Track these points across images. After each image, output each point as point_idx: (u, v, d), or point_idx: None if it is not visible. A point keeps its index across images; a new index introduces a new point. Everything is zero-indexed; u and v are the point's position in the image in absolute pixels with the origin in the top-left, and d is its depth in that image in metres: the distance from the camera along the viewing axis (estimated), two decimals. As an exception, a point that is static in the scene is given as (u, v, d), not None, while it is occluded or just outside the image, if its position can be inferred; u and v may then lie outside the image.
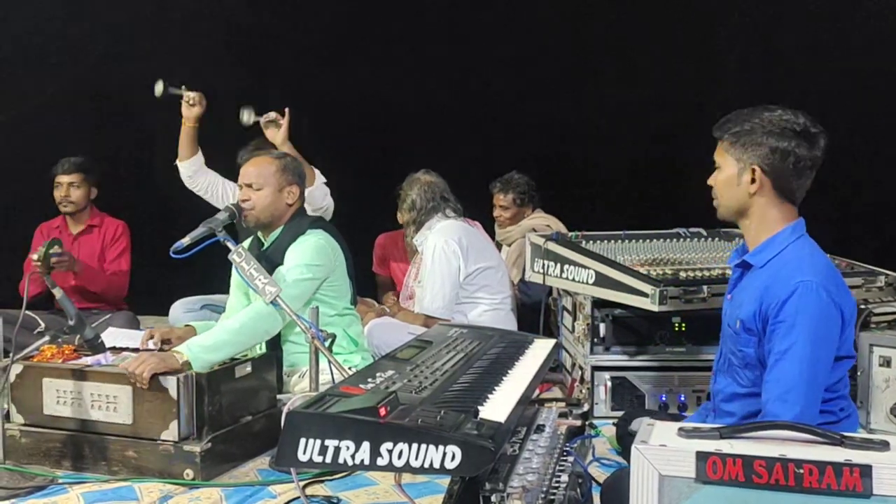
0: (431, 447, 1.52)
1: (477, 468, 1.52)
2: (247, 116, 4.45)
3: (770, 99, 2.46)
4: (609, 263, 3.60)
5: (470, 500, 1.66)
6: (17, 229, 5.31)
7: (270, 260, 3.46)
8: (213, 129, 4.57)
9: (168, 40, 6.02)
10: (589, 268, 3.67)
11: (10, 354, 2.96)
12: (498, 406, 1.76)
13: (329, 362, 2.99)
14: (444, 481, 2.43)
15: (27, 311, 3.10)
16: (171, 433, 2.88)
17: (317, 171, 4.41)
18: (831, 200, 4.82)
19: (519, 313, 4.55)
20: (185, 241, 3.21)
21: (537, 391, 3.02)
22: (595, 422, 3.04)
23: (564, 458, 1.93)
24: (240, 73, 6.01)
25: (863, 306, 3.50)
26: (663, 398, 3.64)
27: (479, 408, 1.69)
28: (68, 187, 4.77)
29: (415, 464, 1.52)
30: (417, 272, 4.56)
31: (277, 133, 4.38)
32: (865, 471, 1.48)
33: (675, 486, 1.56)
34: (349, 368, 3.09)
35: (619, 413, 3.37)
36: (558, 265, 3.87)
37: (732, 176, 2.33)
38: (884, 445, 1.56)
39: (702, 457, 1.55)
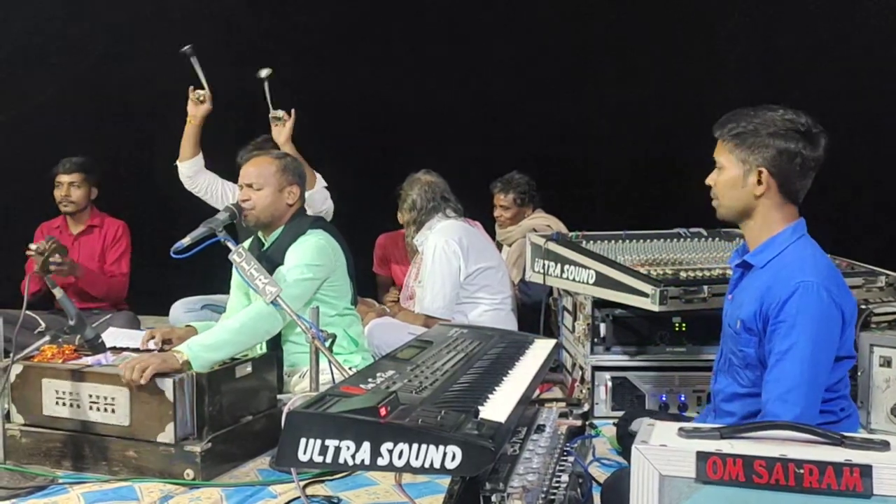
0: (432, 447, 1.52)
1: (477, 468, 1.52)
2: (265, 73, 4.43)
3: (770, 99, 2.46)
4: (609, 263, 3.60)
5: (470, 500, 1.66)
6: (17, 229, 5.30)
7: (271, 260, 3.46)
8: (214, 130, 4.57)
9: (168, 40, 6.00)
10: (589, 268, 3.67)
11: (11, 354, 2.96)
12: (498, 406, 1.77)
13: (329, 362, 2.99)
14: (445, 481, 2.44)
15: (27, 311, 3.10)
16: (167, 435, 2.87)
17: (318, 175, 4.41)
18: (831, 201, 4.82)
19: (519, 313, 4.55)
20: (186, 241, 3.21)
21: (538, 391, 3.02)
22: (595, 422, 3.05)
23: (565, 458, 1.93)
24: (240, 73, 6.01)
25: (863, 306, 3.50)
26: (664, 398, 3.64)
27: (480, 408, 1.69)
28: (69, 187, 4.77)
29: (415, 464, 1.52)
30: (418, 272, 4.56)
31: (282, 132, 4.39)
32: (866, 471, 1.49)
33: (675, 486, 1.56)
34: (349, 368, 3.09)
35: (620, 413, 3.37)
36: (559, 265, 3.87)
37: (737, 177, 2.32)
38: (884, 445, 1.56)
39: (702, 457, 1.55)
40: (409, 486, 1.96)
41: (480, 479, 1.65)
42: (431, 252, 4.29)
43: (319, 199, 4.38)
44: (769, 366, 2.24)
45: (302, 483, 2.79)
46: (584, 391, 3.73)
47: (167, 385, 2.87)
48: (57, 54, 6.11)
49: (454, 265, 4.27)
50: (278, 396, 3.34)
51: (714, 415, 2.50)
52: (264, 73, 4.44)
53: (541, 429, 2.06)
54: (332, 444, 1.54)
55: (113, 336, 3.44)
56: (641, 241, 4.04)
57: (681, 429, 1.65)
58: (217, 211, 3.59)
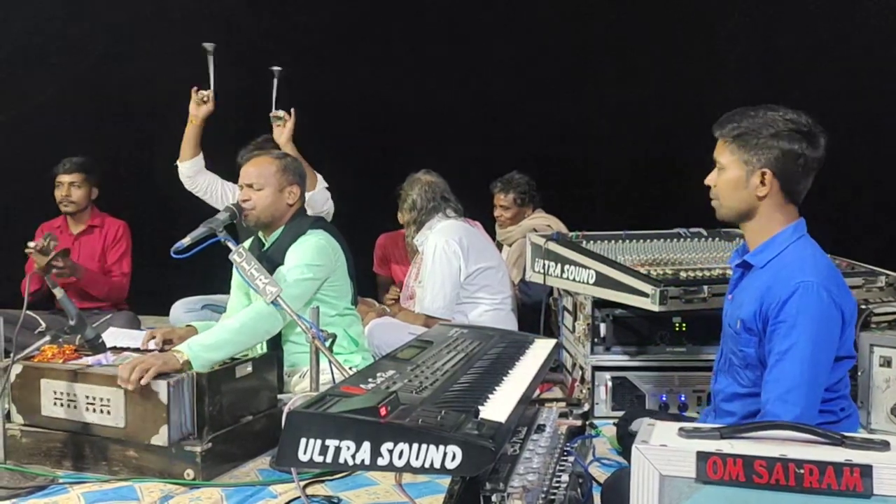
0: (432, 447, 1.52)
1: (477, 468, 1.52)
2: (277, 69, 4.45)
3: (770, 99, 2.45)
4: (609, 263, 3.60)
5: (470, 500, 1.66)
6: (17, 229, 5.30)
7: (271, 260, 3.46)
8: (214, 130, 4.57)
9: (168, 40, 6.02)
10: (589, 268, 3.67)
11: (11, 354, 2.96)
12: (498, 406, 1.77)
13: (329, 362, 2.99)
14: (445, 481, 2.44)
15: (28, 311, 3.10)
16: (160, 438, 2.86)
17: (319, 176, 4.41)
18: (831, 201, 4.82)
19: (519, 313, 4.55)
20: (186, 241, 3.21)
21: (538, 391, 3.02)
22: (595, 422, 3.05)
23: (565, 458, 1.93)
24: (240, 73, 6.01)
25: (863, 306, 3.50)
26: (664, 398, 3.64)
27: (480, 408, 1.69)
28: (69, 187, 4.77)
29: (415, 464, 1.52)
30: (418, 272, 4.56)
31: (282, 132, 4.39)
32: (866, 471, 1.49)
33: (675, 486, 1.56)
34: (350, 368, 3.09)
35: (620, 413, 3.37)
36: (559, 265, 3.88)
37: (739, 178, 2.32)
38: (884, 445, 1.56)
39: (702, 457, 1.55)
40: (409, 486, 1.96)
41: (481, 478, 1.65)
42: (431, 252, 4.29)
43: (320, 199, 4.38)
44: (769, 366, 2.24)
45: (302, 483, 2.79)
46: (584, 391, 3.73)
47: (161, 387, 2.86)
48: (57, 54, 6.11)
49: (454, 265, 4.27)
50: (278, 396, 3.34)
51: (714, 415, 2.50)
52: (276, 69, 4.45)
53: (541, 429, 2.06)
54: (332, 444, 1.54)
55: (113, 336, 3.44)
56: (641, 241, 4.04)
57: (681, 429, 1.65)
58: (217, 211, 3.59)
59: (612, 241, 4.01)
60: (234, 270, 3.51)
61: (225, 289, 3.88)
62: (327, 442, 1.54)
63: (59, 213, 4.88)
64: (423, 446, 1.52)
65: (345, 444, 1.54)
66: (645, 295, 3.36)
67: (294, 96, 4.67)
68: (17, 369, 3.02)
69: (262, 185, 3.50)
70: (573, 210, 5.58)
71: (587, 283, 3.68)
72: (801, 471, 1.50)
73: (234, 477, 2.96)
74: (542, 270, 3.98)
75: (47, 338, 2.97)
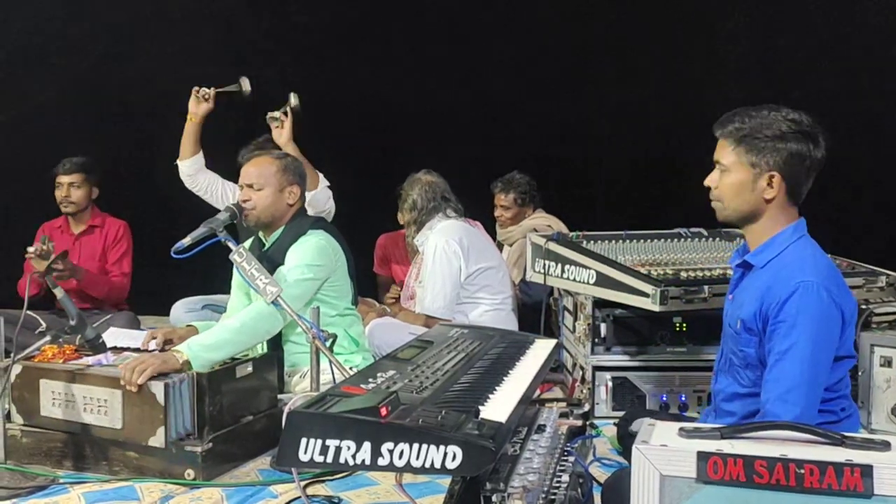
0: (432, 447, 1.52)
1: (478, 468, 1.52)
2: (294, 101, 4.41)
3: (770, 99, 2.45)
4: (610, 263, 3.60)
5: (471, 500, 1.66)
6: (17, 229, 5.31)
7: (271, 260, 3.46)
8: (214, 130, 4.57)
9: (168, 40, 6.02)
10: (590, 268, 3.67)
11: (12, 354, 2.96)
12: (499, 406, 1.77)
13: (330, 362, 2.99)
14: (445, 481, 2.44)
15: (28, 311, 3.10)
16: (157, 439, 2.86)
17: (321, 175, 4.41)
18: (831, 201, 4.82)
19: (520, 313, 4.55)
20: (186, 241, 3.21)
21: (538, 391, 3.02)
22: (596, 422, 3.06)
23: (565, 458, 1.93)
24: (240, 72, 6.01)
25: (864, 306, 3.50)
26: (664, 398, 3.64)
27: (480, 408, 1.69)
28: (69, 187, 4.77)
29: (416, 464, 1.52)
30: (418, 272, 4.56)
31: (282, 133, 4.38)
32: (866, 471, 1.49)
33: (675, 486, 1.56)
34: (350, 368, 3.09)
35: (620, 413, 3.37)
36: (559, 265, 3.88)
37: (745, 181, 2.30)
38: (885, 446, 1.56)
39: (703, 457, 1.55)
40: (409, 486, 1.96)
41: (481, 479, 1.65)
42: (432, 252, 4.29)
43: (322, 199, 4.38)
44: (769, 365, 2.24)
45: (303, 483, 2.79)
46: (584, 391, 3.73)
47: (158, 388, 2.86)
48: (57, 54, 6.11)
49: (455, 265, 4.27)
50: (279, 396, 3.34)
51: (714, 415, 2.50)
52: (293, 101, 4.40)
53: (541, 429, 2.06)
54: (332, 444, 1.54)
55: (114, 336, 3.44)
56: (642, 241, 4.04)
57: (681, 429, 1.66)
58: (217, 211, 3.59)
59: (613, 241, 4.01)
60: (235, 270, 3.51)
61: (225, 289, 3.88)
62: (328, 442, 1.54)
63: (60, 213, 4.87)
64: (424, 446, 1.52)
65: (345, 444, 1.54)
66: (645, 295, 3.36)
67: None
68: (17, 369, 3.03)
69: (263, 185, 3.50)
70: (573, 210, 5.58)
71: (587, 283, 3.68)
72: (802, 471, 1.50)
73: (235, 477, 2.96)
74: (542, 270, 3.98)
75: (48, 338, 2.97)
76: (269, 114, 4.41)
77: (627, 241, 4.03)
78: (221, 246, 3.27)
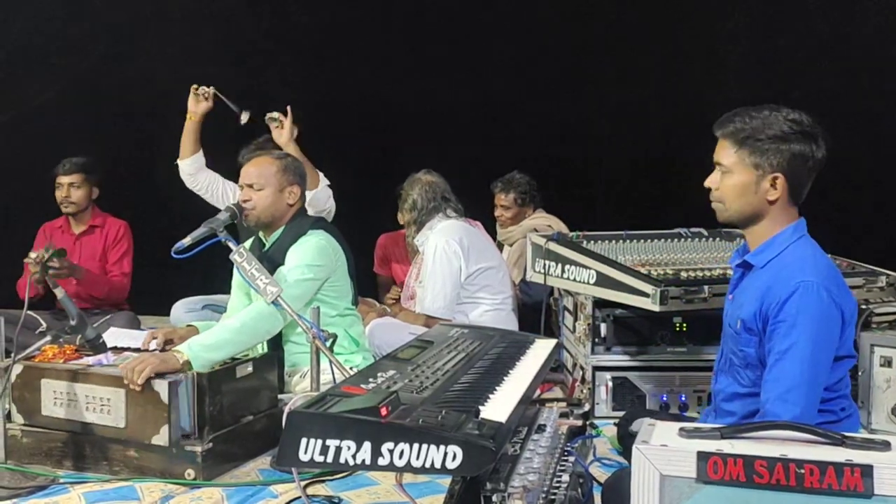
0: (433, 447, 1.52)
1: (478, 468, 1.53)
2: (244, 118, 4.43)
3: (770, 99, 2.45)
4: (610, 263, 3.60)
5: (471, 500, 1.66)
6: (17, 229, 5.31)
7: (272, 260, 3.46)
8: (214, 130, 4.57)
9: (168, 40, 6.02)
10: (590, 268, 3.67)
11: (12, 354, 2.96)
12: (499, 406, 1.77)
13: (330, 362, 2.99)
14: (446, 481, 2.44)
15: (29, 311, 3.10)
16: (161, 438, 2.86)
17: (321, 174, 4.41)
18: (831, 201, 4.82)
19: (520, 313, 4.55)
20: (187, 241, 3.21)
21: (538, 391, 3.02)
22: (596, 422, 3.06)
23: (565, 458, 1.93)
24: (240, 72, 6.02)
25: (864, 306, 3.50)
26: (664, 398, 3.64)
27: (481, 408, 1.69)
28: (69, 188, 4.77)
29: (416, 464, 1.52)
30: (418, 272, 4.56)
31: (281, 133, 4.38)
32: (867, 471, 1.49)
33: (676, 486, 1.56)
34: (350, 368, 3.10)
35: (620, 413, 3.37)
36: (559, 265, 3.88)
37: (748, 183, 2.29)
38: (885, 445, 1.56)
39: (703, 457, 1.55)
40: (409, 485, 1.96)
41: (481, 478, 1.65)
42: (432, 252, 4.29)
43: (322, 198, 4.38)
44: (769, 365, 2.24)
45: (303, 483, 2.79)
46: (584, 391, 3.73)
47: (162, 387, 2.86)
48: (57, 54, 6.11)
49: (455, 265, 4.27)
50: (279, 396, 3.34)
51: (714, 415, 2.50)
52: (244, 118, 4.40)
53: (541, 429, 2.06)
54: (332, 443, 1.54)
55: (114, 336, 3.44)
56: (642, 241, 4.04)
57: (681, 429, 1.66)
58: (218, 210, 3.59)
59: (613, 241, 4.01)
60: (235, 270, 3.51)
61: (225, 289, 3.88)
62: (328, 442, 1.54)
63: (60, 213, 4.87)
64: (424, 446, 1.52)
65: (345, 443, 1.54)
66: (645, 295, 3.36)
67: (294, 96, 4.67)
68: (17, 369, 3.03)
69: (263, 185, 3.50)
70: (573, 210, 5.58)
71: (588, 283, 3.68)
72: (802, 471, 1.50)
73: (235, 477, 2.96)
74: (542, 270, 3.98)
75: (48, 338, 2.97)
76: (269, 114, 4.41)
77: (627, 241, 4.03)
78: (222, 246, 3.27)
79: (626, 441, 3.01)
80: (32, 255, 4.29)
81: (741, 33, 5.90)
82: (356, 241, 3.94)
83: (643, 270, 3.53)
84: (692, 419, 3.00)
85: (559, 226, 5.09)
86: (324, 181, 4.41)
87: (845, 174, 4.87)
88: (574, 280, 3.78)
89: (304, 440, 1.55)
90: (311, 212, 3.88)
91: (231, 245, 3.27)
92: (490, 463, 1.52)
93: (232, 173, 4.30)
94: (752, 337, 2.30)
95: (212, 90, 4.42)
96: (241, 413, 3.10)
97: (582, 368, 3.78)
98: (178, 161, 4.52)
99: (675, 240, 4.09)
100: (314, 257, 3.45)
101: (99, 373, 2.98)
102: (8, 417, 3.04)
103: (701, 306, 3.37)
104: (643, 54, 6.01)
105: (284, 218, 3.56)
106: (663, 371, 3.67)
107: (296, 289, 3.34)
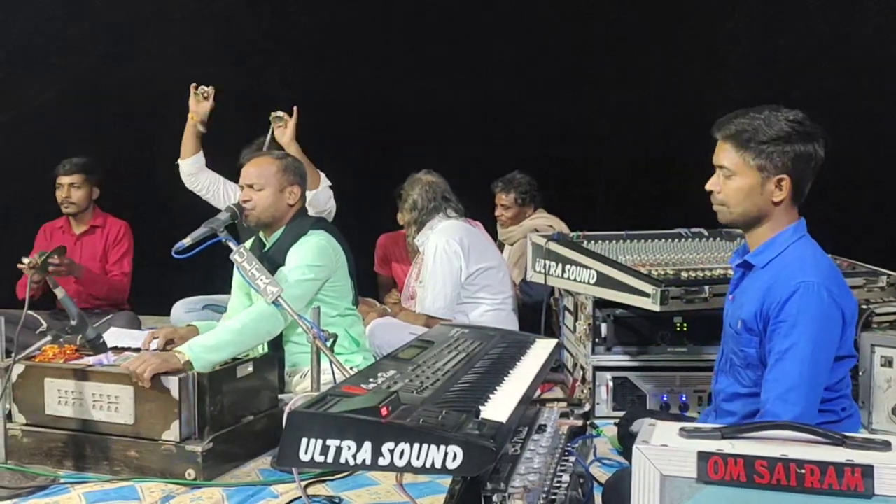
0: (433, 447, 1.52)
1: (478, 468, 1.53)
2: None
3: (770, 99, 2.45)
4: (610, 263, 3.60)
5: (471, 500, 1.66)
6: (17, 229, 5.31)
7: (272, 260, 3.46)
8: (215, 130, 4.57)
9: (168, 40, 6.02)
10: (590, 268, 3.67)
11: (13, 354, 2.96)
12: (499, 406, 1.77)
13: (330, 362, 2.99)
14: (446, 481, 2.44)
15: (29, 311, 3.10)
16: (172, 433, 2.88)
17: (322, 174, 4.41)
18: (831, 201, 4.83)
19: (520, 313, 4.55)
20: (187, 241, 3.20)
21: (539, 391, 3.02)
22: (596, 422, 3.06)
23: (566, 458, 1.93)
24: (240, 72, 6.02)
25: (864, 306, 3.50)
26: (665, 398, 3.64)
27: (481, 408, 1.69)
28: (69, 188, 4.76)
29: (416, 464, 1.52)
30: (419, 272, 4.56)
31: (284, 133, 4.37)
32: (867, 471, 1.49)
33: (676, 486, 1.56)
34: (351, 368, 3.10)
35: (621, 413, 3.37)
36: (560, 265, 3.88)
37: (753, 185, 2.29)
38: (885, 446, 1.56)
39: (703, 457, 1.55)
40: (410, 486, 1.96)
41: (481, 479, 1.65)
42: (432, 252, 4.29)
43: (323, 198, 4.38)
44: (769, 365, 2.24)
45: (303, 483, 2.79)
46: (585, 391, 3.73)
47: (172, 384, 2.87)
48: (57, 54, 6.11)
49: (455, 265, 4.27)
50: (279, 396, 3.34)
51: (715, 415, 2.50)
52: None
53: (542, 429, 2.06)
54: (333, 444, 1.54)
55: (115, 336, 3.44)
56: (642, 241, 4.04)
57: (682, 429, 1.66)
58: (218, 211, 3.59)
59: (613, 241, 4.01)
60: (235, 271, 3.51)
61: (226, 289, 3.87)
62: (328, 442, 1.54)
63: (60, 213, 4.87)
64: (424, 446, 1.52)
65: (346, 444, 1.54)
66: (646, 295, 3.36)
67: (294, 96, 4.67)
68: (18, 369, 3.03)
69: (263, 185, 3.50)
70: (574, 210, 5.58)
71: (588, 283, 3.68)
72: (803, 471, 1.51)
73: (236, 477, 2.96)
74: (543, 270, 3.98)
75: (48, 338, 2.97)
76: (274, 113, 4.41)
77: (628, 241, 4.03)
78: (222, 246, 3.27)
79: (626, 441, 3.01)
80: (26, 260, 4.29)
81: (741, 33, 5.90)
82: (356, 241, 3.94)
83: (643, 270, 3.53)
84: (692, 419, 3.00)
85: (560, 226, 5.09)
86: (325, 181, 4.41)
87: (845, 174, 4.87)
88: (574, 280, 3.78)
89: (304, 440, 1.55)
90: (311, 212, 3.87)
91: (231, 245, 3.27)
92: (490, 463, 1.52)
93: (233, 173, 4.30)
94: (753, 337, 2.30)
95: (211, 89, 4.41)
96: (241, 413, 3.10)
97: (582, 368, 3.78)
98: (179, 161, 4.52)
99: (676, 240, 4.09)
100: (315, 257, 3.45)
101: (106, 370, 2.98)
102: (9, 417, 3.04)
103: (701, 306, 3.37)
104: (643, 54, 6.01)
105: (285, 218, 3.56)
106: (664, 371, 3.67)
107: (296, 289, 3.34)
